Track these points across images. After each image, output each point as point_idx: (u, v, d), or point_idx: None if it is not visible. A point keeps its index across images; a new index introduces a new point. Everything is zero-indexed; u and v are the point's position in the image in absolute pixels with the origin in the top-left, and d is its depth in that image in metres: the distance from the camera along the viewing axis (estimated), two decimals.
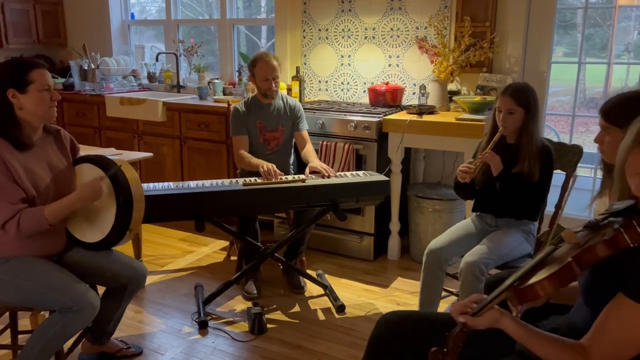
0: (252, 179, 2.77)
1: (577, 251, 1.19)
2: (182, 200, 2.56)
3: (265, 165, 2.84)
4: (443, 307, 2.87)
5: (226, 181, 2.76)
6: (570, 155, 2.51)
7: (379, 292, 3.11)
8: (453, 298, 2.85)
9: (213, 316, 2.82)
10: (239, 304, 2.95)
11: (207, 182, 2.74)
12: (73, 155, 2.23)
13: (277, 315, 2.84)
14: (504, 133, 2.39)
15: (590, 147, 2.96)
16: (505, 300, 1.24)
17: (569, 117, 3.68)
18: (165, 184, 2.71)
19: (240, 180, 2.76)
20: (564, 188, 2.54)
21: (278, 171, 2.84)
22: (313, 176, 2.85)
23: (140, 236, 3.05)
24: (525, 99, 2.36)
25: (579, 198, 4.09)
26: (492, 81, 3.48)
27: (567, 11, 3.85)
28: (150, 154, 3.11)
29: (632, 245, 1.14)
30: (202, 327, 2.70)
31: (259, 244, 2.99)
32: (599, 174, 3.66)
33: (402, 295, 3.06)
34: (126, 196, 2.07)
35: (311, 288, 3.14)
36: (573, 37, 5.00)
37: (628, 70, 3.73)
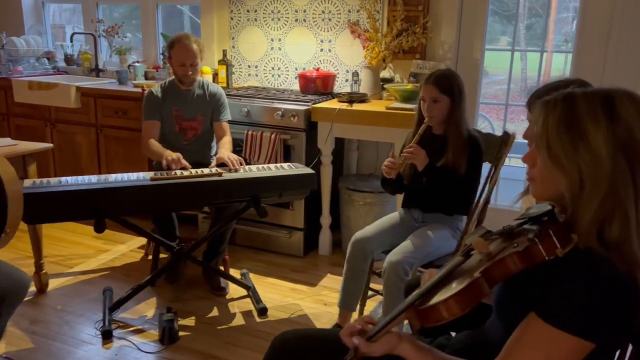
0: (162, 173, 2.51)
1: (486, 264, 1.04)
2: (78, 197, 2.28)
3: (169, 155, 2.59)
4: (371, 306, 2.73)
5: (133, 175, 2.49)
6: (499, 147, 2.39)
7: (306, 292, 2.93)
8: (379, 297, 2.70)
9: (120, 324, 2.56)
10: (152, 309, 2.71)
11: (111, 177, 2.47)
12: None
13: (193, 321, 2.62)
14: (429, 124, 2.24)
15: None
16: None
17: (505, 106, 3.59)
18: (63, 178, 2.41)
19: (150, 174, 2.50)
20: (493, 182, 2.42)
21: (184, 162, 2.59)
22: (218, 169, 2.60)
23: (41, 235, 2.74)
24: (449, 86, 2.21)
25: (512, 188, 4.07)
26: (426, 68, 3.34)
27: (510, 1, 3.76)
28: (49, 145, 2.79)
29: (547, 258, 0.99)
30: (106, 337, 2.44)
31: (173, 244, 2.74)
32: None
33: (330, 295, 2.89)
34: None
35: (234, 289, 2.92)
36: (515, 28, 4.96)
37: (566, 59, 3.69)
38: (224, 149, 2.82)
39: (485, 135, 2.44)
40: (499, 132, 2.48)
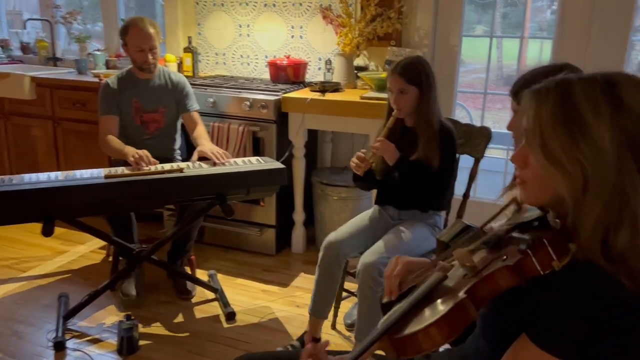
0: (118, 170, 2.32)
1: (472, 281, 0.88)
2: (23, 198, 2.08)
3: (135, 152, 2.39)
4: (346, 307, 2.58)
5: (87, 172, 2.29)
6: (478, 139, 2.25)
7: (277, 293, 2.77)
8: (354, 299, 2.56)
9: (75, 333, 2.37)
10: (111, 316, 2.52)
11: (61, 174, 2.26)
12: None
13: (156, 329, 2.44)
14: (398, 116, 2.09)
15: (503, 126, 2.71)
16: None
17: (483, 95, 3.46)
18: (7, 177, 2.20)
19: (105, 171, 2.30)
20: (472, 175, 2.29)
21: (152, 159, 2.40)
22: (201, 163, 2.43)
23: None
24: (416, 76, 2.05)
25: (492, 180, 3.96)
26: (401, 55, 3.17)
27: None
28: None
29: (542, 273, 0.85)
30: (58, 348, 2.25)
31: (132, 245, 2.55)
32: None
33: (303, 296, 2.74)
34: None
35: (202, 291, 2.75)
36: (491, 16, 4.84)
37: (541, 47, 3.58)
38: (203, 140, 2.64)
39: (465, 126, 2.30)
40: (477, 121, 2.35)
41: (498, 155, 3.57)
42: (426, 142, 2.04)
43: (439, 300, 0.89)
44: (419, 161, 2.04)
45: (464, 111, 4.47)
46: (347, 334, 2.44)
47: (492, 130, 2.26)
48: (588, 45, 2.91)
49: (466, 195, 2.29)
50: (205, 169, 2.39)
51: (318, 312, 2.20)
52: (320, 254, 2.18)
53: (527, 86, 1.51)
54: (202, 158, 2.50)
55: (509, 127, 1.56)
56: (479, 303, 0.87)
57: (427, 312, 0.88)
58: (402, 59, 2.11)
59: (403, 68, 2.06)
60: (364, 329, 2.08)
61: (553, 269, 0.84)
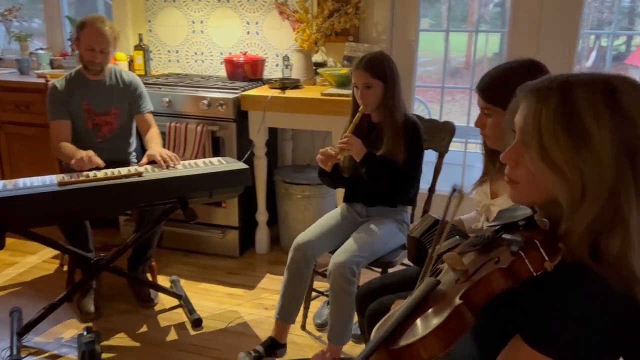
0: (73, 175, 2.20)
1: (466, 286, 0.87)
2: None
3: (79, 154, 2.28)
4: (315, 307, 2.55)
5: (38, 180, 2.16)
6: (442, 133, 2.27)
7: (244, 296, 2.71)
8: (324, 298, 2.54)
9: (31, 350, 2.24)
10: (69, 329, 2.40)
11: (10, 183, 2.12)
12: None
13: (118, 340, 2.33)
14: (365, 112, 2.07)
15: (456, 118, 2.73)
16: None
17: (436, 89, 3.50)
18: None
19: (59, 177, 2.18)
20: (437, 170, 2.30)
21: (96, 160, 2.29)
22: (150, 168, 2.34)
23: None
24: (381, 70, 2.05)
25: (451, 173, 4.01)
26: (360, 51, 3.16)
27: None
28: None
29: (535, 274, 0.84)
30: None
31: (89, 254, 2.43)
32: (470, 148, 3.57)
33: (270, 297, 2.69)
34: None
35: (165, 298, 2.66)
36: (437, 10, 4.91)
37: (487, 38, 3.64)
38: (153, 143, 2.53)
39: (429, 121, 2.31)
40: (434, 115, 2.36)
41: (456, 148, 3.62)
42: (391, 137, 2.04)
43: (434, 308, 0.87)
44: (385, 157, 2.04)
45: (422, 105, 4.51)
46: (318, 334, 2.42)
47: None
48: (539, 37, 2.98)
49: (431, 190, 2.30)
50: (165, 172, 2.30)
51: (286, 316, 2.17)
52: (289, 256, 2.14)
53: (494, 83, 1.53)
54: (153, 162, 2.40)
55: (477, 124, 1.56)
56: (474, 308, 0.85)
57: (422, 320, 0.86)
58: (365, 54, 2.10)
59: (368, 63, 2.04)
60: (337, 329, 2.06)
61: (545, 269, 0.84)
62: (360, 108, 2.06)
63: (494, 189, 1.62)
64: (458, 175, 3.48)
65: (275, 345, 2.19)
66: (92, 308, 2.49)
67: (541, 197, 0.89)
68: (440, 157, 2.29)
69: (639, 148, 0.82)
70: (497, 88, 1.48)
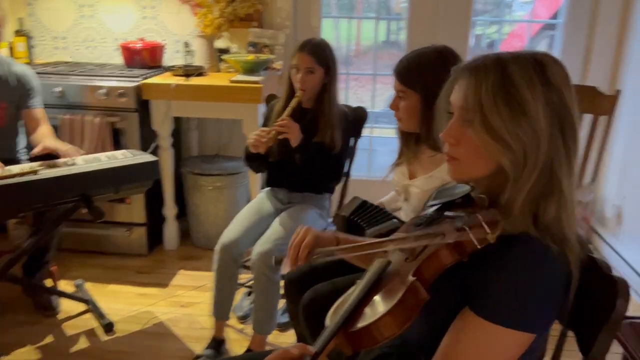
0: None
1: (416, 263, 0.89)
2: None
3: None
4: (235, 299, 2.49)
5: None
6: (355, 119, 2.30)
7: (157, 295, 2.59)
8: (243, 290, 2.50)
9: None
10: None
11: None
12: None
13: (20, 355, 2.13)
14: (303, 97, 2.05)
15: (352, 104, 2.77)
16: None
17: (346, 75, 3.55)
18: None
19: None
20: (352, 155, 2.34)
21: None
22: (46, 164, 2.12)
23: None
24: (325, 57, 2.06)
25: (358, 158, 4.11)
26: (264, 37, 3.12)
27: None
28: None
29: (479, 246, 0.88)
30: None
31: None
32: (376, 133, 3.67)
33: (186, 294, 2.59)
34: None
35: (69, 305, 2.46)
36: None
37: (376, 26, 3.75)
38: (46, 139, 2.31)
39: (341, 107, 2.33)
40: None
41: (383, 134, 3.72)
42: (329, 124, 2.05)
43: (388, 287, 0.88)
44: (322, 143, 2.04)
45: None
46: (240, 326, 2.37)
47: None
48: (437, 25, 3.13)
49: (347, 174, 2.33)
50: (64, 168, 2.11)
51: (221, 314, 2.12)
52: (216, 257, 2.07)
53: (410, 67, 1.57)
54: (47, 158, 2.18)
55: (392, 106, 1.61)
56: (425, 284, 0.87)
57: (378, 301, 0.86)
58: (310, 39, 2.09)
59: (314, 47, 2.04)
60: (263, 319, 2.04)
61: (488, 242, 0.87)
62: (297, 93, 2.03)
63: (411, 170, 1.68)
64: (364, 159, 3.57)
65: (220, 342, 2.14)
66: None
67: (484, 171, 0.93)
68: (355, 142, 2.32)
69: (566, 117, 0.89)
70: (412, 72, 1.53)
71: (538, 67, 0.89)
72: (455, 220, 0.90)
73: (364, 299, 0.87)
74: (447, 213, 0.96)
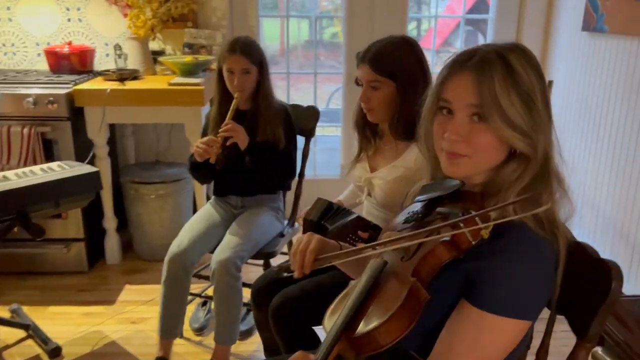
0: None
1: (414, 263, 0.87)
2: None
3: None
4: (190, 310, 2.40)
5: None
6: (307, 118, 2.28)
7: (104, 313, 2.44)
8: (198, 301, 2.41)
9: None
10: None
11: None
12: None
13: None
14: (241, 98, 1.99)
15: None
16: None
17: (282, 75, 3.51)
18: None
19: None
20: (305, 154, 2.32)
21: None
22: None
23: None
24: (258, 55, 2.01)
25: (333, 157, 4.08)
26: (200, 37, 3.03)
27: None
28: None
29: (473, 242, 0.88)
30: None
31: None
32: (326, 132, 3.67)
33: (136, 309, 2.46)
34: None
35: (7, 333, 2.26)
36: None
37: (299, 25, 3.75)
38: None
39: (292, 107, 2.29)
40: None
41: (332, 133, 3.70)
42: (269, 123, 2.00)
43: (388, 289, 0.86)
44: (267, 143, 1.99)
45: None
46: (198, 338, 2.28)
47: None
48: (374, 22, 3.17)
49: (301, 174, 2.30)
50: None
51: (170, 332, 2.01)
52: (165, 269, 1.97)
53: (384, 55, 1.54)
54: None
55: (362, 98, 1.57)
56: (424, 283, 0.86)
57: (379, 304, 0.84)
58: (239, 38, 2.01)
59: (245, 47, 1.97)
60: (226, 329, 1.97)
61: (482, 237, 0.88)
62: (235, 95, 1.97)
63: (372, 164, 1.67)
64: (318, 158, 3.56)
65: None
66: None
67: (496, 161, 0.94)
68: (307, 141, 2.30)
69: (549, 103, 0.93)
70: (387, 60, 1.51)
71: (525, 54, 0.92)
72: (450, 216, 0.90)
73: (364, 301, 0.85)
74: (439, 209, 0.95)
